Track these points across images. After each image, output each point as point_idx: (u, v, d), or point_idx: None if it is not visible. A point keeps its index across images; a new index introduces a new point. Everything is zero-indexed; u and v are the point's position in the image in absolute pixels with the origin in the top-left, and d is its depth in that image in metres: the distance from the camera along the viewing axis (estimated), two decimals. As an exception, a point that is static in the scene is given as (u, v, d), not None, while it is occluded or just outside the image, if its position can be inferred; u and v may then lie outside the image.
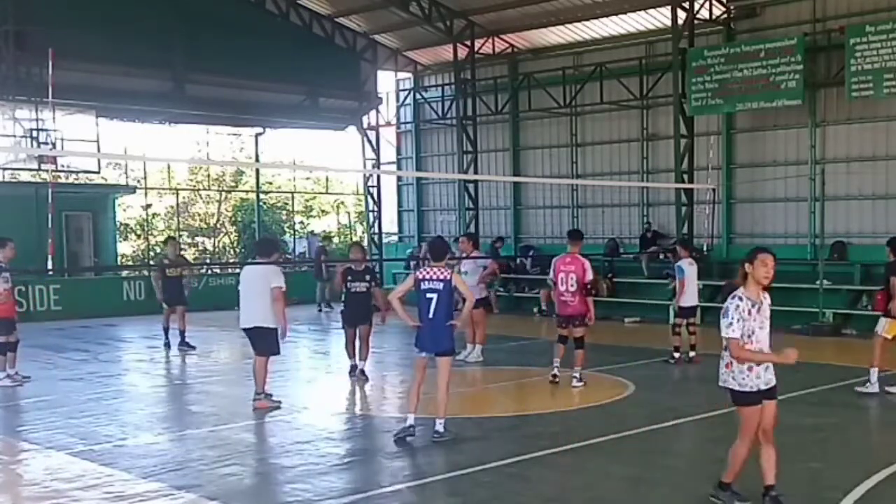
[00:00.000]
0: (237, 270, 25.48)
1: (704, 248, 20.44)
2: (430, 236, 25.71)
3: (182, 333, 15.93)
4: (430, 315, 8.58)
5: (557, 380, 11.57)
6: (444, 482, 7.36)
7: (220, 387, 12.52)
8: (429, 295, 8.57)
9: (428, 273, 8.64)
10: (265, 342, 10.42)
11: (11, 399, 11.51)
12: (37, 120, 20.09)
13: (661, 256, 20.80)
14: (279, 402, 10.58)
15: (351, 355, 12.59)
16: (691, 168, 20.01)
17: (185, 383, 13.39)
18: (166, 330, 16.02)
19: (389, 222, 28.73)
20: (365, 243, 28.29)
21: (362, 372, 12.43)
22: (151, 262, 27.38)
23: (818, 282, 17.15)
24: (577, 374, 11.51)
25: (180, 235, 31.19)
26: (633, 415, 10.03)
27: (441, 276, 8.59)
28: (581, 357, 11.50)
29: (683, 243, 14.68)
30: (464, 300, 8.99)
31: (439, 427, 8.59)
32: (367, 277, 12.41)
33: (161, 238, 32.79)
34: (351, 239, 34.75)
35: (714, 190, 19.58)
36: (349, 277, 12.31)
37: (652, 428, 9.26)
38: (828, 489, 6.91)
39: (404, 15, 23.48)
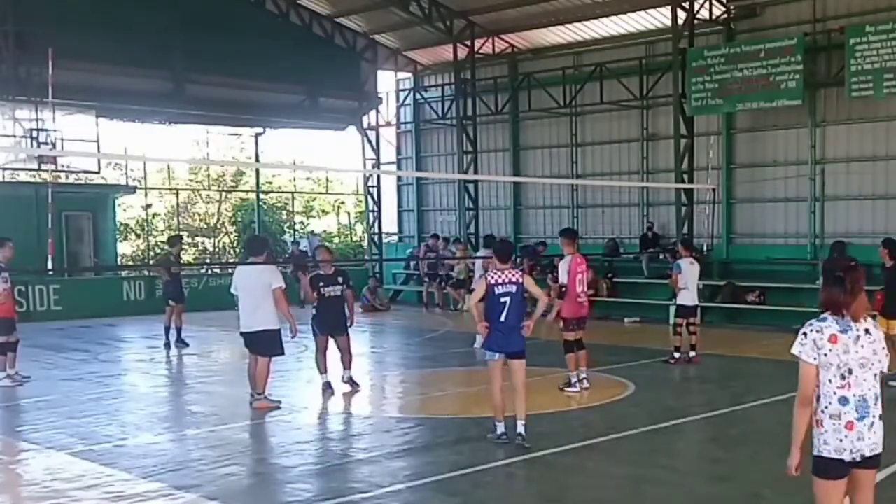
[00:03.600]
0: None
1: (704, 248, 20.45)
2: (428, 236, 25.79)
3: (178, 330, 15.95)
4: (503, 318, 8.36)
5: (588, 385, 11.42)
6: (444, 482, 7.35)
7: (220, 387, 12.52)
8: (503, 298, 8.37)
9: (500, 276, 8.45)
10: (269, 344, 10.37)
11: (11, 399, 11.51)
12: (37, 120, 20.07)
13: (661, 256, 20.83)
14: (279, 402, 10.58)
15: (323, 370, 11.50)
16: (691, 168, 20.01)
17: (185, 383, 13.39)
18: (168, 329, 16.01)
19: (389, 222, 28.72)
20: (365, 243, 28.40)
21: (351, 380, 11.64)
22: (152, 262, 27.33)
23: (818, 282, 17.12)
24: (585, 375, 11.43)
25: (179, 235, 31.15)
26: (633, 415, 10.02)
27: (514, 279, 8.44)
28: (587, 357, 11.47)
29: (685, 243, 14.70)
30: (534, 301, 8.82)
31: (522, 429, 8.39)
32: (340, 280, 11.47)
33: (161, 238, 32.88)
34: (351, 239, 34.83)
35: (714, 190, 19.58)
36: (321, 283, 11.29)
37: (652, 428, 9.26)
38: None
39: (404, 15, 23.48)
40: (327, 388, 11.45)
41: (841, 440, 4.37)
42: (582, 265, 11.31)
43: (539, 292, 8.80)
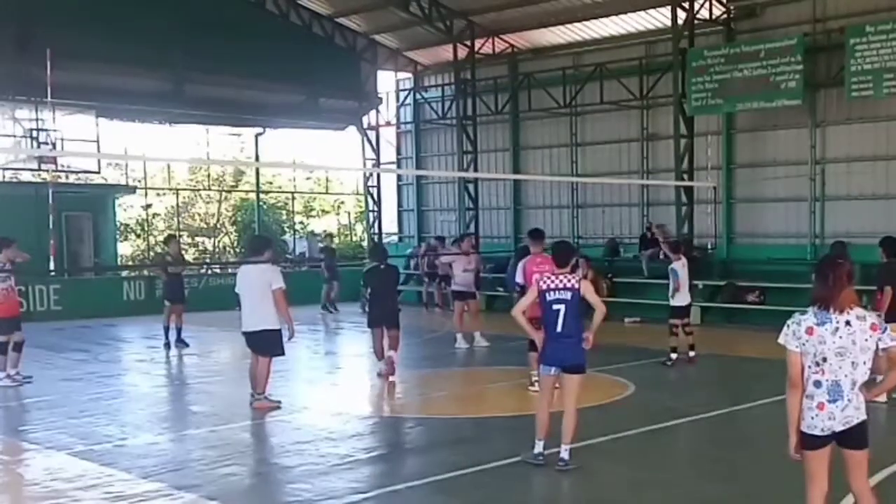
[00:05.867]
0: (237, 270, 25.51)
1: (708, 247, 20.45)
2: (429, 236, 25.76)
3: (178, 331, 15.93)
4: (559, 328, 7.56)
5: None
6: (444, 482, 7.36)
7: (220, 387, 12.52)
8: (556, 306, 7.56)
9: (553, 281, 7.64)
10: (269, 344, 10.38)
11: (11, 399, 11.52)
12: (37, 120, 20.08)
13: (661, 256, 20.79)
14: (279, 402, 10.58)
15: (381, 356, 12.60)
16: (691, 168, 20.00)
17: (185, 383, 13.39)
18: (167, 329, 15.98)
19: (389, 222, 28.72)
20: (365, 243, 28.40)
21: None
22: (149, 262, 27.36)
23: (817, 282, 17.12)
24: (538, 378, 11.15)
25: (180, 236, 31.18)
26: (633, 415, 10.02)
27: (568, 285, 7.60)
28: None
29: (674, 246, 14.62)
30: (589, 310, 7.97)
31: (565, 454, 7.60)
32: None
33: (162, 238, 32.85)
34: (351, 239, 34.86)
35: (715, 188, 19.58)
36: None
37: (652, 428, 9.26)
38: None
39: (404, 15, 23.47)
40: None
41: (813, 418, 4.89)
42: (543, 265, 10.65)
43: (597, 300, 7.88)
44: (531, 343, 10.58)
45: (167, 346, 15.89)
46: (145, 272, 23.76)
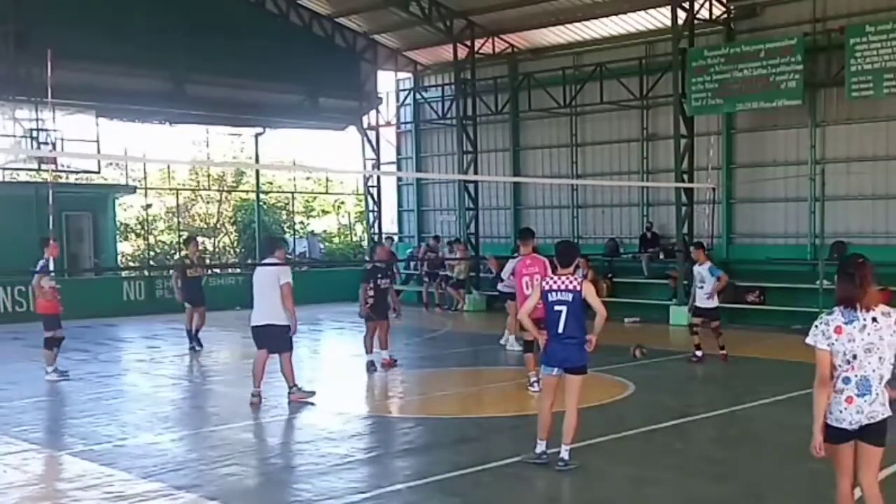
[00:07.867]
0: (237, 271, 25.54)
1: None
2: (429, 236, 25.73)
3: (196, 331, 15.79)
4: (560, 330, 7.57)
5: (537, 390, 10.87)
6: (444, 482, 7.36)
7: (220, 387, 12.52)
8: (557, 307, 7.57)
9: (555, 283, 7.66)
10: (279, 339, 10.56)
11: (12, 399, 11.52)
12: (37, 120, 20.06)
13: (661, 256, 20.81)
14: (313, 391, 10.87)
15: (370, 350, 13.26)
16: (691, 168, 19.99)
17: (185, 383, 13.38)
18: (189, 332, 15.63)
19: (389, 222, 28.73)
20: (365, 243, 28.39)
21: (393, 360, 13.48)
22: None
23: (818, 282, 17.13)
24: (537, 378, 10.74)
25: (180, 235, 31.16)
26: (633, 415, 10.03)
27: (570, 286, 7.58)
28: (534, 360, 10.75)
29: (701, 246, 14.60)
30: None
31: (565, 454, 7.59)
32: (389, 273, 13.95)
33: (162, 238, 32.89)
34: (351, 239, 34.88)
35: (714, 190, 19.57)
36: (378, 275, 13.23)
37: (652, 428, 9.27)
38: (828, 489, 6.89)
39: (404, 15, 23.48)
40: (371, 367, 13.09)
41: (841, 412, 5.00)
42: (532, 267, 10.93)
43: (598, 303, 7.76)
44: (527, 344, 10.83)
45: (192, 348, 15.54)
46: (145, 272, 23.74)
